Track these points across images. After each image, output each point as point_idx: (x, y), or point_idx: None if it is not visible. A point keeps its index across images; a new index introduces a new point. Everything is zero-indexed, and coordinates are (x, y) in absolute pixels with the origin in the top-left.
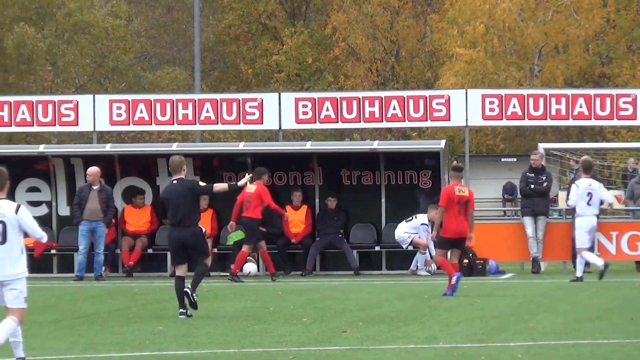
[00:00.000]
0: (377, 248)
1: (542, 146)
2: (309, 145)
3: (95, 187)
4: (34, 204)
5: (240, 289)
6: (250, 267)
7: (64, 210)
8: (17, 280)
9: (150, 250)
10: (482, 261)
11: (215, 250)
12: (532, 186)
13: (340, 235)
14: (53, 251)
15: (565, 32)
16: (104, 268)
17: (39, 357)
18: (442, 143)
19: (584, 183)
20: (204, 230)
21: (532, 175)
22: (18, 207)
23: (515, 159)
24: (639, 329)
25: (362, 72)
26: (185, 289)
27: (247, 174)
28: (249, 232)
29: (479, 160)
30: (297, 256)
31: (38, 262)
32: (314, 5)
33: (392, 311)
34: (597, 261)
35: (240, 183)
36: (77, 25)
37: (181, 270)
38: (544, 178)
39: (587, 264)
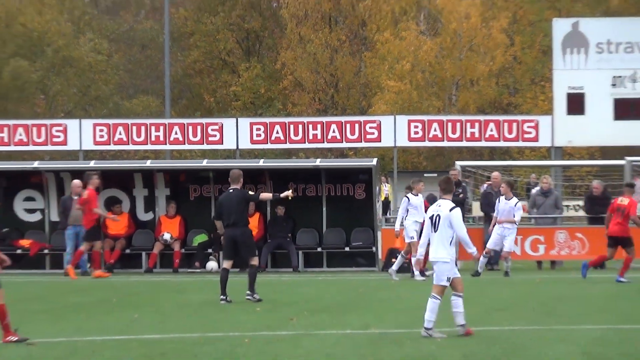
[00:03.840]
0: (319, 249)
1: (458, 163)
2: (261, 163)
3: (75, 197)
4: (30, 211)
5: (204, 283)
6: (211, 265)
7: (55, 216)
8: (440, 263)
9: (128, 251)
10: (408, 261)
11: (183, 250)
12: None
13: (288, 239)
14: (46, 251)
15: (477, 67)
16: (88, 265)
17: (35, 339)
18: (374, 161)
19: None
20: (170, 237)
21: None
22: (453, 208)
23: (436, 174)
24: (539, 318)
25: (306, 101)
26: (246, 297)
27: (290, 188)
28: None
29: (405, 175)
30: None
31: (33, 260)
32: (266, 44)
33: (332, 303)
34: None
35: (282, 195)
36: (65, 59)
37: (227, 264)
38: (460, 190)
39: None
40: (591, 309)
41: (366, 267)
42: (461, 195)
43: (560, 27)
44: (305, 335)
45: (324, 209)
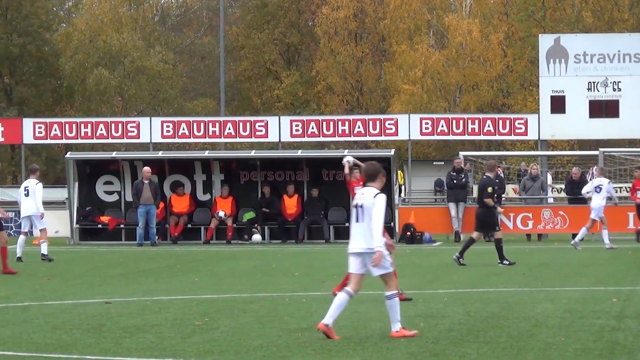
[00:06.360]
0: (347, 224)
1: (461, 154)
2: (299, 153)
3: (146, 182)
4: (108, 193)
5: (252, 252)
6: (257, 237)
7: (129, 197)
8: None
9: (189, 225)
10: (419, 233)
11: (235, 225)
12: (455, 181)
13: (321, 215)
14: (122, 226)
15: (477, 74)
16: (157, 237)
17: (113, 299)
18: (392, 152)
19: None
20: (224, 214)
21: (455, 174)
22: None
23: (443, 163)
24: (528, 281)
25: (336, 102)
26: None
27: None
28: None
29: (418, 163)
30: (291, 230)
31: (112, 233)
32: (303, 56)
33: None
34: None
35: (499, 211)
36: (138, 68)
37: (476, 235)
38: (463, 176)
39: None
40: (571, 273)
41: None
42: (463, 180)
43: (545, 41)
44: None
45: None
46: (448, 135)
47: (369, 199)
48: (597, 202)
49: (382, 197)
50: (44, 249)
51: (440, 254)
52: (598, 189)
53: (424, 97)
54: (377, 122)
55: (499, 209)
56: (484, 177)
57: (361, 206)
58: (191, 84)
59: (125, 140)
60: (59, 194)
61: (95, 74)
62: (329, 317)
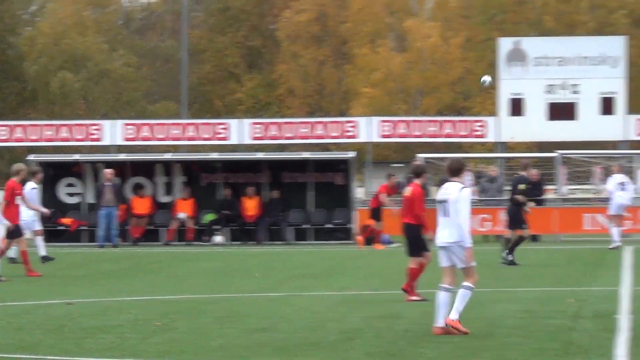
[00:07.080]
0: (307, 226)
1: (421, 156)
2: (260, 155)
3: (108, 184)
4: (71, 195)
5: (213, 254)
6: (217, 238)
7: (91, 199)
8: None
9: (150, 227)
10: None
11: (195, 227)
12: None
13: (281, 217)
14: (83, 227)
15: (437, 77)
16: (118, 239)
17: (74, 300)
18: (352, 154)
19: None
20: (185, 215)
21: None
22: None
23: (402, 165)
24: (487, 281)
25: (297, 105)
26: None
27: None
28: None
29: (377, 165)
30: (251, 231)
31: (74, 235)
32: (265, 59)
33: (316, 269)
34: None
35: (527, 208)
36: (102, 71)
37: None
38: None
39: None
40: (530, 274)
41: (344, 241)
42: None
43: (505, 45)
44: (295, 296)
45: (312, 192)
46: (408, 137)
47: (454, 194)
48: (622, 198)
49: (467, 191)
50: (13, 253)
51: (398, 255)
52: (622, 185)
53: (385, 100)
54: (338, 125)
55: (528, 207)
56: (517, 175)
57: (446, 201)
58: (154, 86)
59: (88, 143)
60: None
61: (59, 77)
62: (440, 319)
